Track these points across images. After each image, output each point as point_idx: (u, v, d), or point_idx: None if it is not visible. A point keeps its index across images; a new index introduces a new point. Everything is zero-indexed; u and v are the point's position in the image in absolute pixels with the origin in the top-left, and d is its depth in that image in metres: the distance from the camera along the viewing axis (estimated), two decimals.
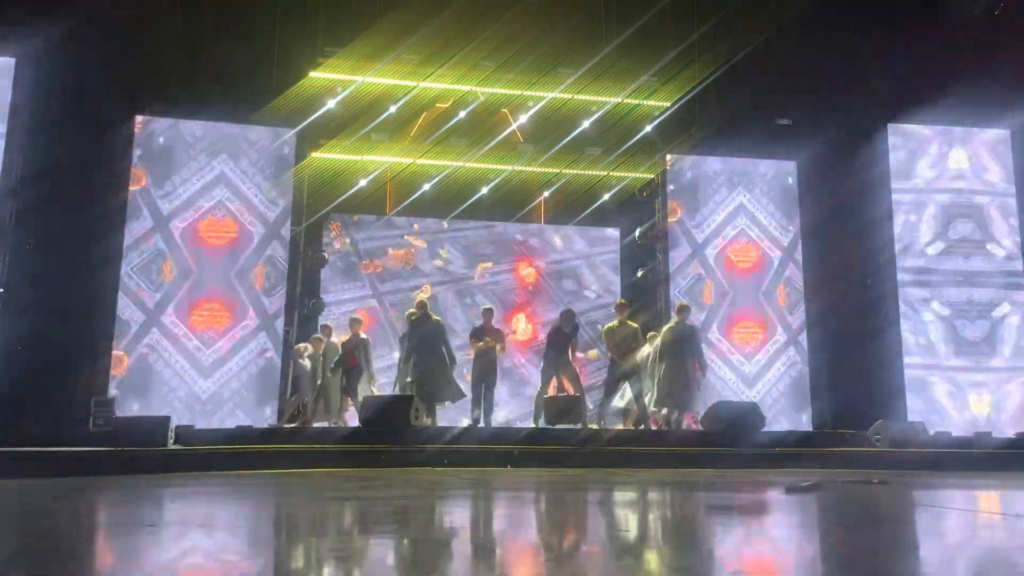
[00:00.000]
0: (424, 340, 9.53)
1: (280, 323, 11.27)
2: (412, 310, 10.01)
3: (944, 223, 12.92)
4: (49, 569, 2.37)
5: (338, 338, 10.55)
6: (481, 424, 9.54)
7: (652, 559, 2.67)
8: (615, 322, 9.90)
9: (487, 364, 9.82)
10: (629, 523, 3.77)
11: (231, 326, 11.06)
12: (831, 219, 12.70)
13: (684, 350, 9.70)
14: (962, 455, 9.10)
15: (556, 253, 13.71)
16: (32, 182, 10.50)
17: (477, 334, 10.02)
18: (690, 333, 9.91)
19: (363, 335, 10.41)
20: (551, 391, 9.74)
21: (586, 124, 12.56)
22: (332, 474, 6.61)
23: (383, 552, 2.77)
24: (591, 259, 13.77)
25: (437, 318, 10.04)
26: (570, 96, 12.35)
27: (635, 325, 9.92)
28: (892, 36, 12.08)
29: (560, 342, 9.82)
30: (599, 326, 11.91)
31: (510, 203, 13.04)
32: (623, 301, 10.43)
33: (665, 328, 10.08)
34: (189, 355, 10.87)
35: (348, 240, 13.05)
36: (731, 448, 8.53)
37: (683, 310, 10.05)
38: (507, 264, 13.54)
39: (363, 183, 12.33)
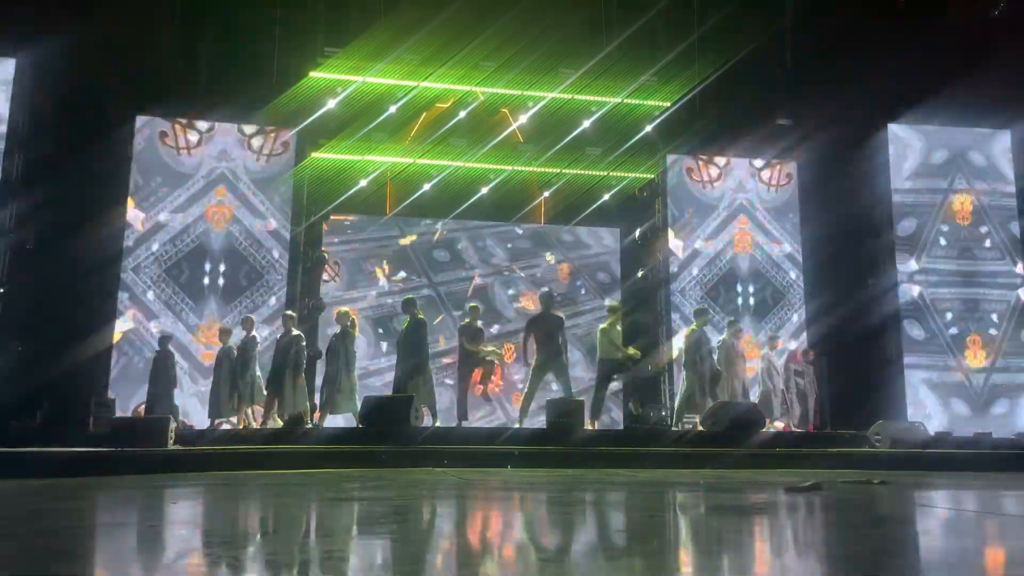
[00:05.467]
0: None
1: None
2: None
3: (944, 223, 12.92)
4: (49, 569, 2.37)
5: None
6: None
7: (652, 560, 2.67)
8: (607, 323, 9.97)
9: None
10: (629, 524, 3.77)
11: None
12: (831, 219, 12.70)
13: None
14: (962, 455, 9.09)
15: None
16: (32, 182, 10.51)
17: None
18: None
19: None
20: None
21: (586, 124, 12.54)
22: (331, 474, 6.61)
23: (380, 552, 2.78)
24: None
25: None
26: (570, 96, 12.33)
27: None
28: (892, 36, 12.07)
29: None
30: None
31: (510, 203, 13.01)
32: (615, 303, 10.56)
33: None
34: (189, 355, 10.87)
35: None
36: (731, 448, 8.53)
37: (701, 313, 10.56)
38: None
39: (363, 183, 12.31)
